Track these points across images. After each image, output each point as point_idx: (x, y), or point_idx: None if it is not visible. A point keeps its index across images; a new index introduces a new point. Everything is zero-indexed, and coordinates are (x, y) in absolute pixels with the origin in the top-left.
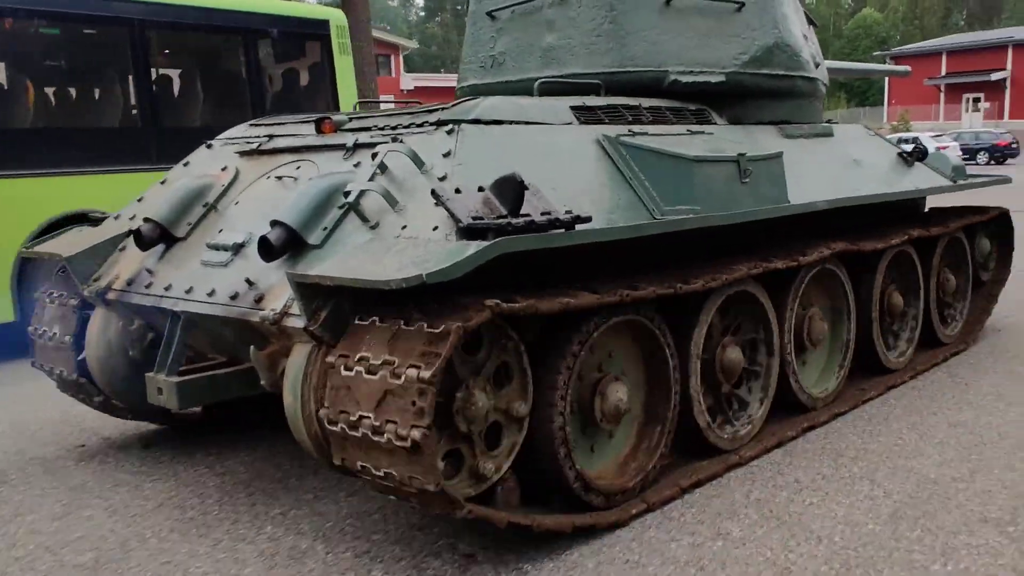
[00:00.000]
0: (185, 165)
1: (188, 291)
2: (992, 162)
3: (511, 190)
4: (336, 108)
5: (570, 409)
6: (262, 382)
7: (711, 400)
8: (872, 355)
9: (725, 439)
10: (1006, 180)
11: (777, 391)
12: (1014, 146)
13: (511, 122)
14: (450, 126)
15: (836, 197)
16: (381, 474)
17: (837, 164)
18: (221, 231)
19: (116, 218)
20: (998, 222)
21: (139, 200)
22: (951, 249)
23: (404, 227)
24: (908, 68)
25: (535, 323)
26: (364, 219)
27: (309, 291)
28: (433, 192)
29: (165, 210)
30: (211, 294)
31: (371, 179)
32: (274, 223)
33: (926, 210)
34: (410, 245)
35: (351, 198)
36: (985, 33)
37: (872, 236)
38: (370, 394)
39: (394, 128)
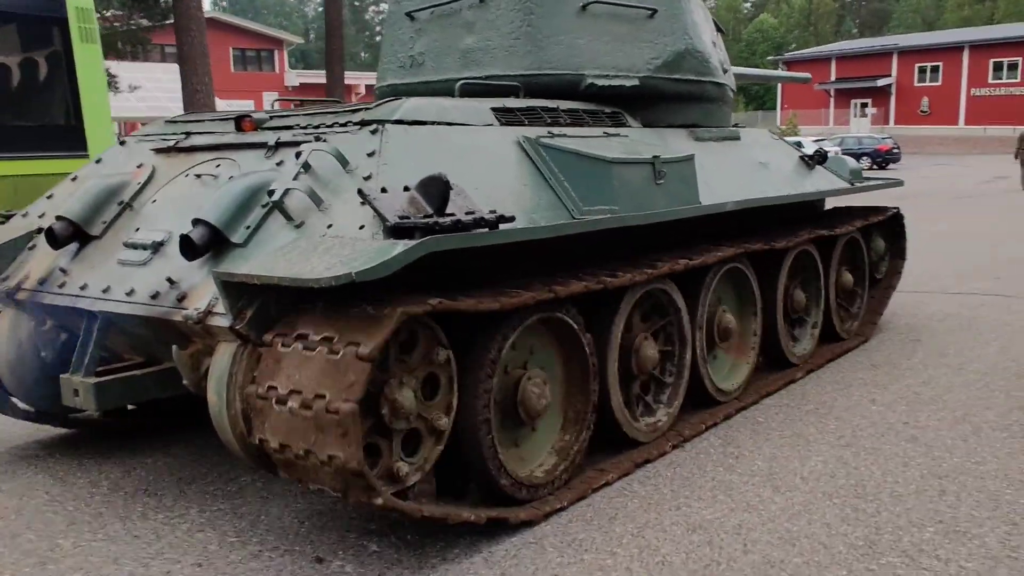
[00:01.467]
0: (97, 162)
1: (105, 290)
2: (875, 166)
3: (437, 190)
4: (76, 104)
5: (494, 406)
6: (184, 382)
7: (627, 394)
8: (778, 349)
9: (642, 431)
10: (898, 183)
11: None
12: (895, 151)
13: (434, 123)
14: (374, 126)
15: (744, 198)
16: (302, 453)
17: (744, 167)
18: (139, 230)
19: (24, 215)
20: (892, 223)
21: (48, 197)
22: (849, 248)
23: (330, 226)
24: (808, 75)
25: (465, 323)
26: (289, 218)
27: (235, 290)
28: (359, 191)
29: (79, 208)
30: (130, 293)
31: (295, 178)
32: (196, 221)
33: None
34: (337, 244)
35: (276, 197)
36: (872, 40)
37: (780, 235)
38: (305, 368)
39: (317, 127)
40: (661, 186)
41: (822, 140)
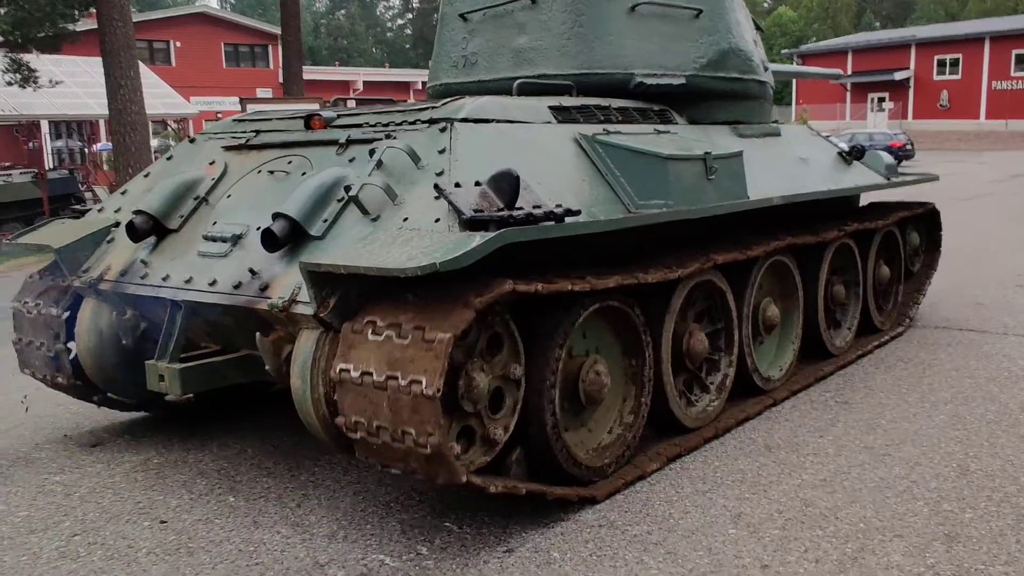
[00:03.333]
0: (168, 159)
1: (188, 281)
2: None
3: (508, 184)
4: None
5: (559, 391)
6: (266, 367)
7: (679, 381)
8: (818, 341)
9: (691, 417)
10: (934, 178)
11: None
12: (908, 148)
13: (496, 120)
14: (443, 124)
15: (790, 193)
16: (388, 436)
17: (786, 162)
18: (215, 223)
19: (100, 210)
20: (928, 217)
21: (122, 193)
22: (886, 242)
23: (405, 219)
24: (839, 71)
25: (534, 310)
26: (365, 212)
27: (320, 279)
28: (436, 186)
29: (157, 203)
30: (213, 284)
31: (370, 174)
32: (277, 215)
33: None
34: (415, 236)
35: (353, 192)
36: (889, 32)
37: (824, 228)
38: (391, 352)
39: (386, 125)
40: (712, 181)
41: (829, 137)
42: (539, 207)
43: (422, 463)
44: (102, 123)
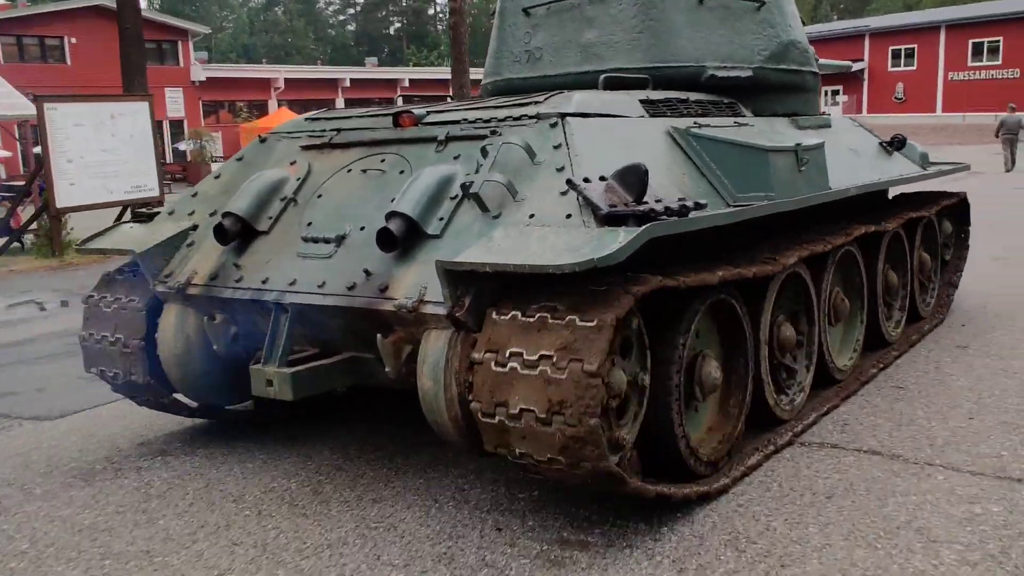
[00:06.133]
0: (239, 160)
1: (292, 284)
2: None
3: (636, 178)
4: None
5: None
6: (386, 369)
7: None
8: (876, 329)
9: (785, 409)
10: (965, 167)
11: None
12: None
13: (598, 115)
14: (554, 119)
15: (860, 183)
16: (534, 419)
17: (842, 152)
18: (311, 224)
19: (170, 214)
20: (960, 206)
21: (193, 195)
22: (925, 231)
23: (532, 216)
24: (849, 63)
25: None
26: (485, 209)
27: (456, 278)
28: (569, 182)
29: (246, 204)
30: (322, 286)
31: (489, 170)
32: (393, 214)
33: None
34: (551, 233)
35: (475, 188)
36: (843, 23)
37: (883, 217)
38: (546, 334)
39: (487, 122)
40: (803, 173)
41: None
42: (660, 201)
43: (570, 447)
44: None
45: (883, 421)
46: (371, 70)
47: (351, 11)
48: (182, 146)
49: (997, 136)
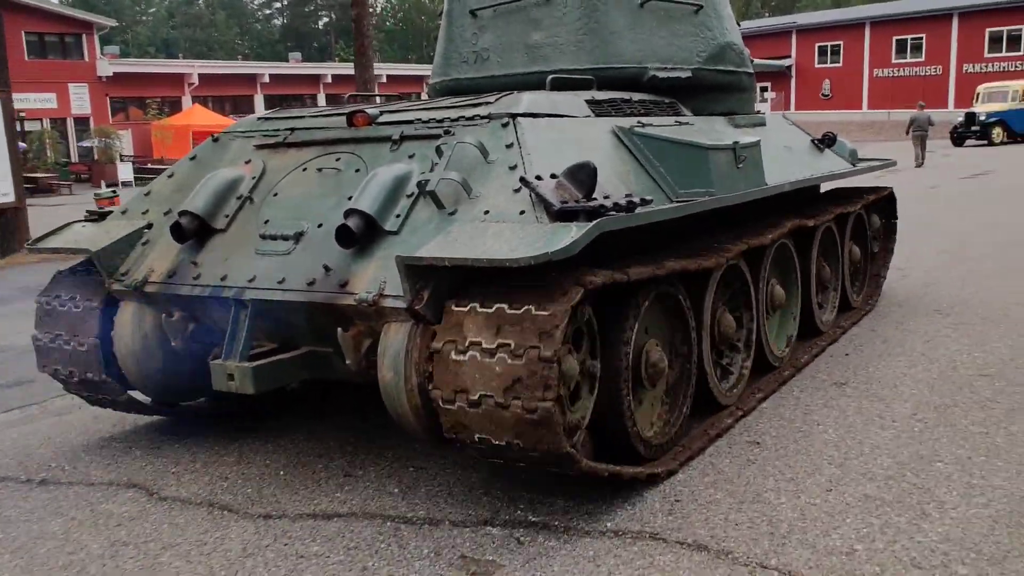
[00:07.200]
0: (192, 159)
1: (251, 280)
2: None
3: (587, 176)
4: None
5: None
6: (347, 362)
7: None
8: (811, 319)
9: (725, 394)
10: (892, 164)
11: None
12: None
13: (547, 115)
14: (505, 119)
15: (793, 179)
16: (493, 404)
17: (777, 150)
18: (267, 222)
19: (123, 212)
20: (887, 201)
21: (146, 194)
22: (855, 224)
23: (487, 212)
24: (783, 64)
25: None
26: (440, 206)
27: (415, 272)
28: (522, 179)
29: (203, 203)
30: (282, 282)
31: (444, 168)
32: (351, 212)
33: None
34: (507, 229)
35: (431, 186)
36: (771, 20)
37: (815, 212)
38: (503, 322)
39: (440, 122)
40: (740, 169)
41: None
42: (608, 197)
43: (526, 431)
44: None
45: (723, 496)
46: (292, 65)
47: (277, 5)
48: (86, 143)
49: (908, 134)
